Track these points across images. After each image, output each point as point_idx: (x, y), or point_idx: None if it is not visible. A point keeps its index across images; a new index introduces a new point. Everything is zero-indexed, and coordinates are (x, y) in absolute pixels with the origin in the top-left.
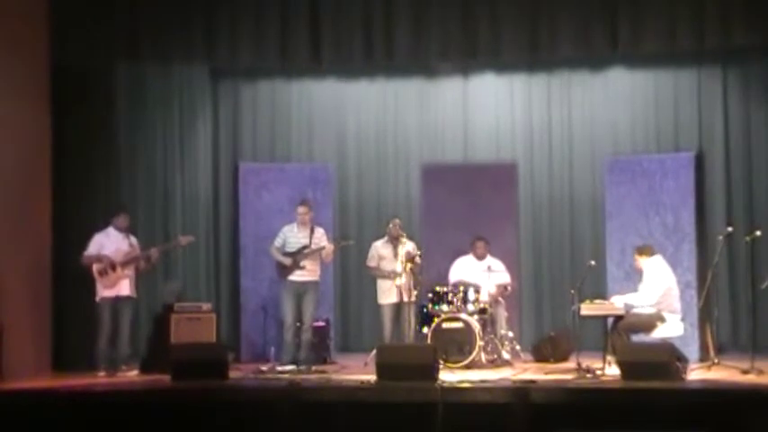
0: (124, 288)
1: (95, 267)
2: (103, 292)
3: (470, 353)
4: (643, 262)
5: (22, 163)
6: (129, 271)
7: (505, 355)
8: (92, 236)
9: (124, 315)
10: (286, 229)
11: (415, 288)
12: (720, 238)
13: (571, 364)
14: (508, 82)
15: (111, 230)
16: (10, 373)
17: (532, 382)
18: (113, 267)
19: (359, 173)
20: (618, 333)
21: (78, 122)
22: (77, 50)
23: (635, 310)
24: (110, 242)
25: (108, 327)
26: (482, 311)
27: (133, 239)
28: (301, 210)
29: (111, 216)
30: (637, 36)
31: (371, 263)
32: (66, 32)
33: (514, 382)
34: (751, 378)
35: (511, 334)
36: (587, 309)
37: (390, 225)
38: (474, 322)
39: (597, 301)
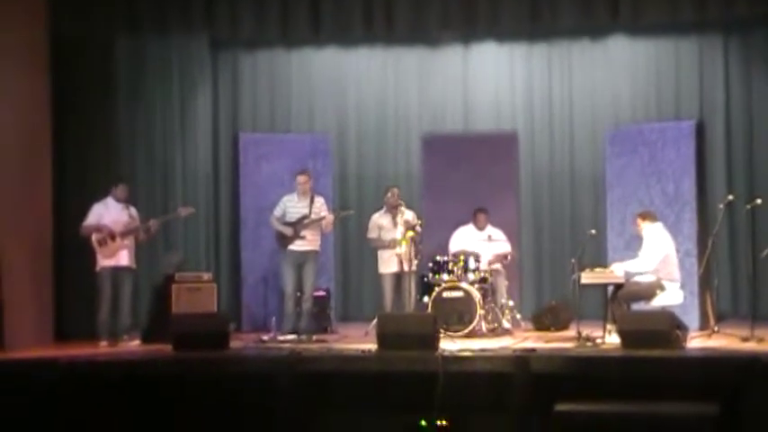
0: (123, 258)
1: (94, 237)
2: (103, 261)
3: (471, 322)
4: (644, 227)
5: (22, 135)
6: (129, 241)
7: (506, 324)
8: (91, 206)
9: (124, 285)
10: (286, 198)
11: (415, 257)
12: (721, 206)
13: (571, 332)
14: (508, 51)
15: (109, 201)
16: (12, 343)
17: (533, 350)
18: (113, 237)
19: (359, 143)
20: (618, 302)
21: (78, 94)
22: (77, 22)
23: (635, 279)
24: (108, 212)
25: (108, 297)
26: (482, 281)
27: (133, 210)
28: (301, 179)
29: (110, 186)
30: (638, 6)
31: (372, 234)
32: (65, 4)
33: (515, 350)
34: (751, 346)
35: (511, 303)
36: (587, 277)
37: (389, 194)
38: (474, 291)
39: (597, 269)
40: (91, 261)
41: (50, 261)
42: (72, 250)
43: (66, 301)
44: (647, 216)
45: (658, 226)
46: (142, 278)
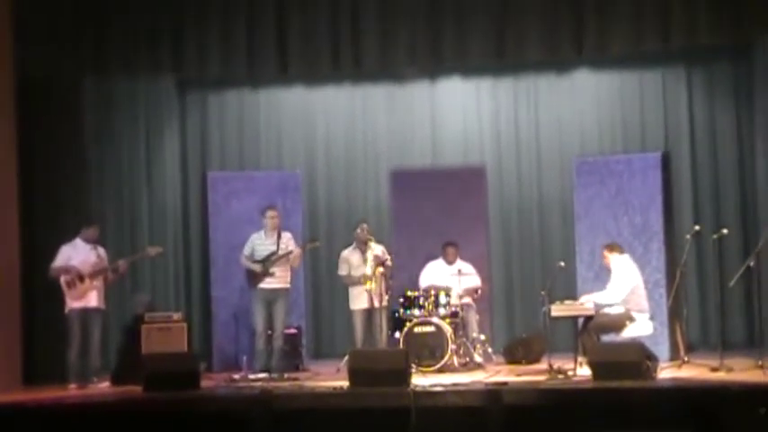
0: (93, 299)
1: (63, 279)
2: (72, 303)
3: (442, 357)
4: (612, 258)
5: None
6: (98, 282)
7: (477, 358)
8: (59, 248)
9: (94, 327)
10: (254, 237)
11: (386, 293)
12: (688, 236)
13: (543, 365)
14: (475, 86)
15: (78, 242)
16: None
17: (505, 384)
18: (81, 279)
19: (328, 179)
20: (588, 333)
21: (45, 135)
22: (43, 63)
23: (604, 310)
24: (77, 254)
25: (77, 338)
26: (453, 315)
27: (101, 251)
28: (271, 213)
29: (81, 228)
30: (602, 39)
31: (342, 271)
32: (31, 45)
33: (487, 384)
34: (721, 375)
35: (483, 337)
36: (558, 310)
37: (358, 230)
38: (445, 326)
39: (567, 301)
40: (59, 303)
41: (18, 303)
42: (40, 292)
43: (34, 343)
44: (614, 248)
45: (625, 257)
46: (111, 319)
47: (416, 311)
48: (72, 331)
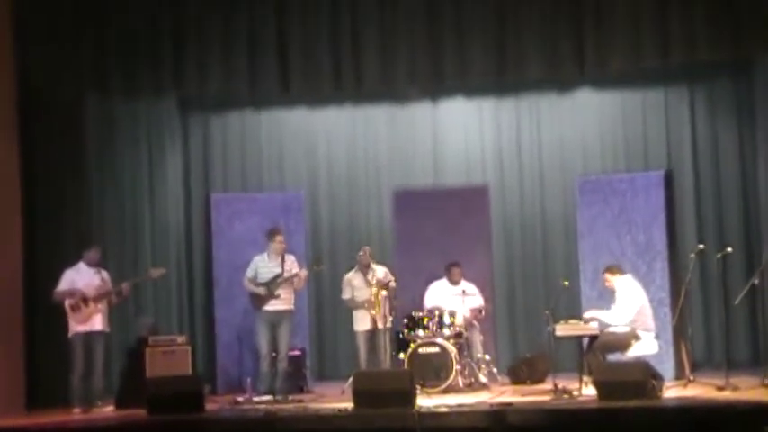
0: (97, 323)
1: (67, 302)
2: (76, 327)
3: (447, 377)
4: (614, 281)
5: None
6: (102, 305)
7: (482, 379)
8: (63, 272)
9: (97, 350)
10: (257, 259)
11: (390, 314)
12: (692, 255)
13: (548, 385)
14: (477, 105)
15: (81, 266)
16: None
17: (509, 404)
18: (85, 302)
19: (330, 200)
20: (593, 353)
21: (48, 156)
22: (45, 83)
23: (609, 329)
24: (81, 277)
25: (81, 362)
26: (458, 335)
27: (104, 274)
28: (279, 238)
29: (81, 250)
30: (603, 56)
31: (346, 295)
32: (32, 65)
33: (492, 405)
34: (726, 394)
35: (487, 357)
36: (562, 329)
37: (360, 253)
38: (450, 346)
39: (572, 321)
40: (62, 327)
41: (21, 327)
42: (43, 316)
43: (37, 367)
44: (615, 270)
45: (628, 278)
46: (114, 342)
47: (421, 332)
48: (75, 355)
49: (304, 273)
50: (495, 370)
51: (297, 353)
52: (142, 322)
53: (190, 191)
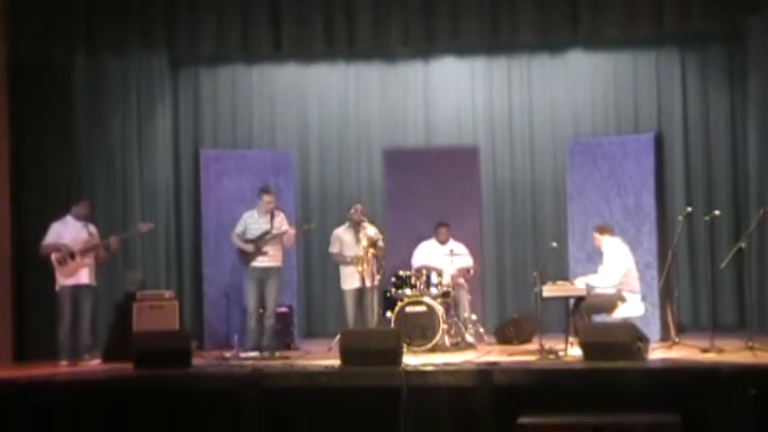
0: (84, 277)
1: (54, 256)
2: (63, 280)
3: (434, 336)
4: (603, 241)
5: None
6: (89, 259)
7: (469, 338)
8: (50, 225)
9: (85, 304)
10: (246, 215)
11: (378, 273)
12: (680, 217)
13: (534, 345)
14: (469, 66)
15: (69, 219)
16: None
17: (496, 364)
18: (72, 256)
19: (321, 159)
20: (579, 314)
21: (37, 113)
22: (35, 43)
23: (596, 291)
24: (68, 231)
25: (68, 316)
26: (445, 295)
27: (92, 228)
28: (267, 198)
29: (70, 204)
30: (596, 21)
31: (333, 249)
32: (22, 25)
33: (478, 364)
34: (711, 356)
35: (474, 317)
36: (549, 290)
37: (352, 210)
38: (437, 306)
39: (559, 282)
40: (50, 280)
41: (9, 281)
42: (31, 269)
43: (25, 320)
44: (605, 230)
45: (617, 240)
46: (102, 296)
47: (408, 291)
48: (63, 308)
49: (292, 231)
50: (481, 330)
51: (284, 310)
52: (130, 277)
53: (179, 147)
